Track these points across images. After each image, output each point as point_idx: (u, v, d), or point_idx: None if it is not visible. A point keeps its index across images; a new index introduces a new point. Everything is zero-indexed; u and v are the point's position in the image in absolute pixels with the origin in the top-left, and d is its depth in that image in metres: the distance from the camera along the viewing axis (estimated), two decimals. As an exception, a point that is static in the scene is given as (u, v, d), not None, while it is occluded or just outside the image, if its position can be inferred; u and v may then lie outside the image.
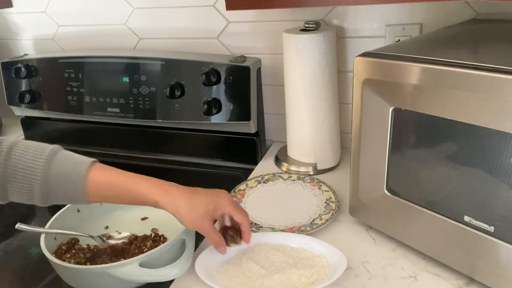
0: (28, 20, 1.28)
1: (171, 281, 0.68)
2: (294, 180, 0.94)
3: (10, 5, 1.24)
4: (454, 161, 0.59)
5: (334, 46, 0.92)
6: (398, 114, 0.64)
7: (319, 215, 0.81)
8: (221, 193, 0.67)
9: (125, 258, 0.69)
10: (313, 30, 0.90)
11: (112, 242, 0.78)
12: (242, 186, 0.92)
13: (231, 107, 1.00)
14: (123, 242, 0.78)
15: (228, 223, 0.70)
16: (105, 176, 0.62)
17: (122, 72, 1.08)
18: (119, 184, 0.61)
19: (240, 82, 0.98)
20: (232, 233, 0.70)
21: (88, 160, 0.62)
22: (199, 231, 0.65)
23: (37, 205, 0.62)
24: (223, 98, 1.00)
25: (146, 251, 0.71)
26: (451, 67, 0.55)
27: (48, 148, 0.61)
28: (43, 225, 0.75)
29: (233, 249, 0.70)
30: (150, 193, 0.61)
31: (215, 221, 0.69)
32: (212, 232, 0.65)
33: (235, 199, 0.88)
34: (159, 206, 0.62)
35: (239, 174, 1.04)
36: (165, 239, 0.78)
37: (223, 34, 1.08)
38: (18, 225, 0.74)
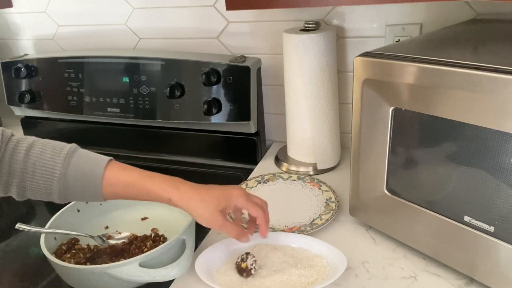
0: (28, 20, 1.28)
1: (171, 281, 0.68)
2: (294, 180, 0.94)
3: (10, 5, 1.24)
4: (454, 161, 0.59)
5: (334, 46, 0.92)
6: (398, 114, 0.64)
7: (319, 215, 0.81)
8: (234, 187, 0.66)
9: (125, 258, 0.69)
10: (313, 30, 0.90)
11: (112, 242, 0.78)
12: (242, 186, 0.92)
13: (231, 107, 1.00)
14: (123, 242, 0.78)
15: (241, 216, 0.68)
16: (120, 175, 0.63)
17: (122, 72, 1.08)
18: (133, 182, 0.63)
19: (240, 82, 0.98)
20: (249, 258, 0.66)
21: (105, 159, 0.64)
22: (213, 227, 0.64)
23: (55, 202, 0.63)
24: (223, 98, 1.00)
25: (146, 251, 0.71)
26: (451, 67, 0.55)
27: (66, 147, 0.63)
28: (43, 225, 0.75)
29: (232, 248, 0.70)
30: (163, 191, 0.62)
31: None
32: (227, 224, 0.63)
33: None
34: (172, 203, 0.63)
35: (239, 174, 1.04)
36: (165, 239, 0.78)
37: (223, 34, 1.08)
38: (18, 225, 0.74)
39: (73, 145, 0.64)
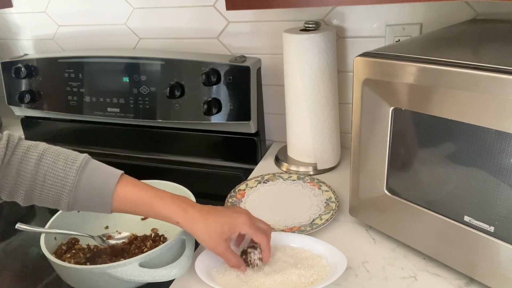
0: (28, 20, 1.28)
1: (171, 281, 0.68)
2: (294, 180, 0.94)
3: (10, 5, 1.24)
4: (454, 161, 0.59)
5: (334, 46, 0.92)
6: (398, 114, 0.64)
7: (319, 215, 0.81)
8: (239, 213, 0.67)
9: (125, 258, 0.69)
10: (313, 30, 0.90)
11: (112, 242, 0.78)
12: (242, 186, 0.92)
13: (231, 107, 1.00)
14: (123, 242, 0.78)
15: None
16: (131, 193, 0.63)
17: (122, 72, 1.08)
18: (143, 201, 0.63)
19: (240, 82, 0.98)
20: (255, 253, 0.67)
21: (117, 173, 0.63)
22: (215, 253, 0.65)
23: (62, 210, 0.63)
24: (223, 98, 1.00)
25: (146, 251, 0.71)
26: (451, 67, 0.55)
27: (79, 158, 0.62)
28: (43, 225, 0.75)
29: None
30: (172, 214, 0.63)
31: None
32: (228, 254, 0.65)
33: (235, 199, 0.88)
34: (180, 226, 0.64)
35: (239, 174, 1.04)
36: (165, 239, 0.78)
37: (223, 34, 1.08)
38: (18, 225, 0.74)
39: (86, 156, 0.63)
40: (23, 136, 0.64)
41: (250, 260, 0.67)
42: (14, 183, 0.60)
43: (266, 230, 0.68)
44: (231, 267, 0.66)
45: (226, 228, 0.64)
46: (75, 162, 0.61)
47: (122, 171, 0.64)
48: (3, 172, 0.60)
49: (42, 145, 0.63)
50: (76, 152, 0.63)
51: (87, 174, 0.61)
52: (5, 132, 0.62)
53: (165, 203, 0.63)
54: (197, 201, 0.73)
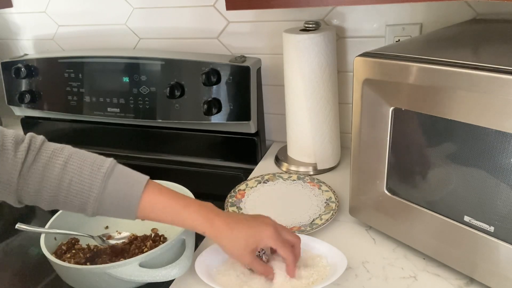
0: (28, 20, 1.28)
1: (171, 281, 0.68)
2: (294, 180, 0.94)
3: (10, 5, 1.24)
4: (454, 161, 0.59)
5: (334, 46, 0.92)
6: (398, 114, 0.64)
7: (319, 215, 0.81)
8: (265, 225, 0.65)
9: (125, 258, 0.69)
10: (313, 30, 0.90)
11: (112, 242, 0.78)
12: (242, 186, 0.92)
13: (231, 107, 1.00)
14: (123, 242, 0.78)
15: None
16: (157, 202, 0.62)
17: (122, 72, 1.08)
18: (170, 210, 0.63)
19: (240, 82, 0.98)
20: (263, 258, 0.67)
21: (143, 180, 0.62)
22: (241, 263, 0.66)
23: (86, 216, 0.62)
24: (223, 98, 1.00)
25: (146, 251, 0.71)
26: (451, 67, 0.55)
27: (105, 164, 0.61)
28: (43, 225, 0.75)
29: None
30: (198, 225, 0.63)
31: None
32: (255, 264, 0.64)
33: (235, 199, 0.88)
34: (206, 236, 0.64)
35: (239, 174, 1.04)
36: (165, 239, 0.78)
37: (223, 34, 1.08)
38: (18, 225, 0.74)
39: (112, 161, 0.62)
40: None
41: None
42: (38, 188, 0.59)
43: (294, 241, 0.67)
44: (260, 274, 0.66)
45: (251, 241, 0.63)
46: (101, 168, 0.60)
47: (148, 177, 0.63)
48: (24, 177, 0.58)
49: (68, 149, 0.61)
50: (102, 157, 0.62)
51: (113, 181, 0.60)
52: (28, 134, 0.61)
53: (191, 213, 0.63)
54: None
